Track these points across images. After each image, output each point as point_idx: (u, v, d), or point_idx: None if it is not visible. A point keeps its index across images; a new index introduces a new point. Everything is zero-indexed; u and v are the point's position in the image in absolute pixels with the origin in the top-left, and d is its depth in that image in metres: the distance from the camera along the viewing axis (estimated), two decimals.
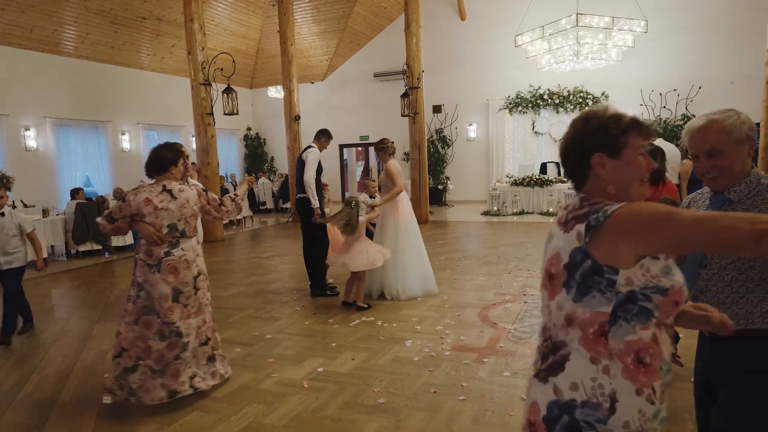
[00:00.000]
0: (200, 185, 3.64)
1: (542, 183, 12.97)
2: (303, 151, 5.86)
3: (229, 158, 17.15)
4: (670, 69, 14.17)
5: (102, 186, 12.93)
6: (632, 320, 1.20)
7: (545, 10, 13.93)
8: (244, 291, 6.36)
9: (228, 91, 9.72)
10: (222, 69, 9.66)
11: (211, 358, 3.50)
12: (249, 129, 18.04)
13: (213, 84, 10.08)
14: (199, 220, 3.64)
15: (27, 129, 11.56)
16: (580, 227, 1.23)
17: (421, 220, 11.86)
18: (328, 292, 5.85)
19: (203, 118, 9.78)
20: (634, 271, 1.19)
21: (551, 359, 1.29)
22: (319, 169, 5.79)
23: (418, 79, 11.48)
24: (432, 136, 16.31)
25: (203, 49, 9.73)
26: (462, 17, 15.90)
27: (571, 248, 1.24)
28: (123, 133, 13.58)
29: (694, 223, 1.14)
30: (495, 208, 12.96)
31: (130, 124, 13.78)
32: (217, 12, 13.97)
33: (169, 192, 3.32)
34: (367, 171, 18.73)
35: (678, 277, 1.25)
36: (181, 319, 3.29)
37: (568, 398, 1.24)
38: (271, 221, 13.91)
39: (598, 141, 1.28)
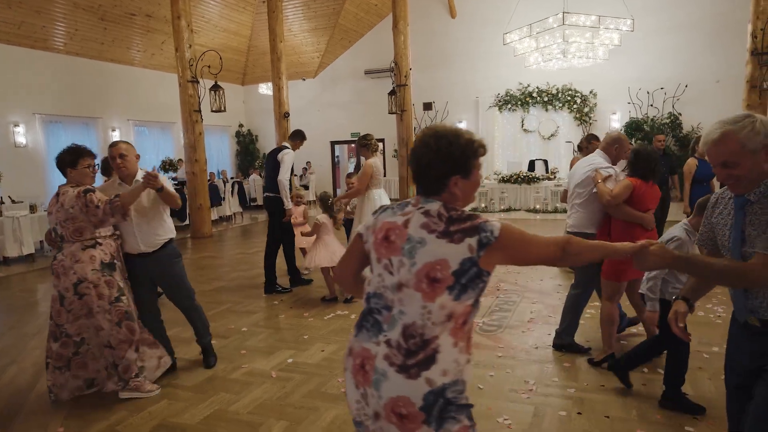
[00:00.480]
0: (86, 186, 3.33)
1: (529, 180, 13.11)
2: (278, 152, 5.89)
3: (221, 155, 17.23)
4: (658, 68, 14.30)
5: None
6: (477, 303, 1.51)
7: (535, 8, 14.04)
8: (226, 285, 6.47)
9: (215, 88, 9.80)
10: (209, 66, 9.73)
11: (115, 367, 3.40)
12: (241, 125, 18.11)
13: (201, 81, 10.16)
14: (167, 215, 3.68)
15: (16, 125, 11.61)
16: (472, 241, 1.43)
17: None
18: (282, 289, 5.94)
19: (191, 115, 9.87)
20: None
21: (422, 354, 1.42)
22: (291, 170, 5.94)
23: (405, 76, 11.58)
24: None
25: (191, 46, 9.81)
26: (452, 15, 15.99)
27: (462, 258, 1.43)
28: (113, 130, 13.64)
29: (538, 245, 1.52)
30: (482, 205, 13.10)
31: (121, 120, 13.84)
32: (208, 9, 14.03)
33: (57, 195, 3.32)
34: (358, 168, 18.81)
35: None
36: (68, 322, 3.31)
37: (440, 384, 1.42)
38: (261, 217, 14.00)
39: (456, 165, 1.50)
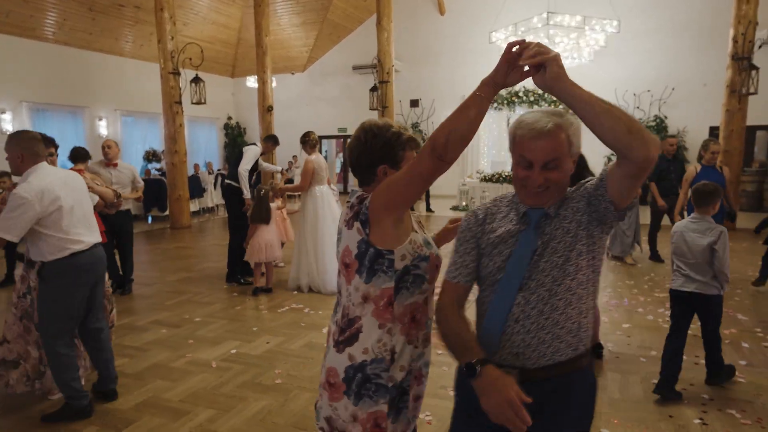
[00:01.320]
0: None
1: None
2: (247, 146, 6.13)
3: (209, 147, 17.31)
4: (645, 69, 14.36)
5: None
6: (411, 287, 1.54)
7: (522, 7, 14.10)
8: (191, 276, 6.58)
9: (196, 80, 9.88)
10: (191, 59, 9.80)
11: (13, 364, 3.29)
12: (230, 118, 18.18)
13: (182, 72, 10.23)
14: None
15: (3, 112, 11.69)
16: (358, 224, 1.53)
17: None
18: (242, 281, 6.09)
19: (171, 106, 9.95)
20: (405, 247, 1.52)
21: (348, 332, 1.57)
22: (255, 167, 6.09)
23: (388, 73, 11.65)
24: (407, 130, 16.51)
25: (173, 38, 9.88)
26: (441, 12, 16.04)
27: (356, 241, 1.53)
28: (100, 119, 13.71)
29: (402, 174, 1.45)
30: (464, 203, 13.20)
31: (108, 110, 13.90)
32: (198, 1, 14.07)
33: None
34: (344, 162, 18.91)
35: (434, 247, 1.63)
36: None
37: (360, 360, 1.53)
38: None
39: (383, 155, 1.56)
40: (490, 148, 16.13)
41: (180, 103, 10.09)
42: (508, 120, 15.66)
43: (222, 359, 3.93)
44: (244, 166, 5.88)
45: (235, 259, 6.05)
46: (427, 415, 3.07)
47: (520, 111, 15.52)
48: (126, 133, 14.39)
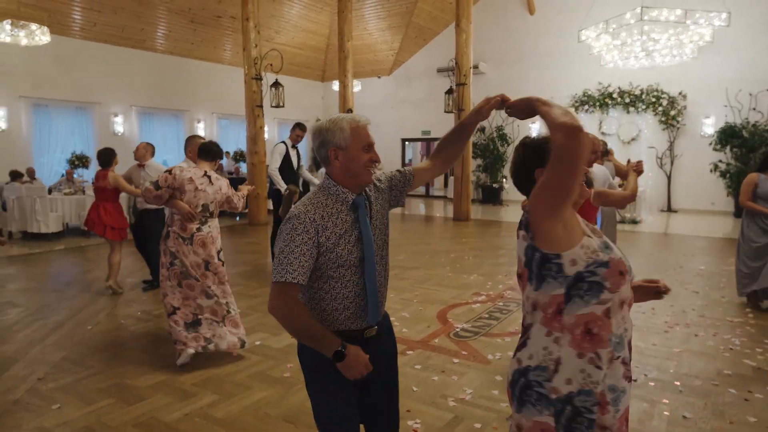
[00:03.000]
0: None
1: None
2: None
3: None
4: (763, 67, 12.82)
5: None
6: (585, 296, 1.44)
7: (614, 3, 13.20)
8: (249, 270, 6.92)
9: (276, 85, 10.38)
10: (271, 65, 10.33)
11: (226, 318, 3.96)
12: (318, 120, 18.82)
13: (266, 78, 10.81)
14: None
15: (116, 116, 13.10)
16: (522, 231, 1.54)
17: (462, 218, 11.90)
18: None
19: (253, 110, 10.55)
20: (576, 252, 1.44)
21: (521, 341, 1.56)
22: (289, 162, 6.29)
23: (465, 75, 11.45)
24: (492, 134, 16.11)
25: (256, 46, 10.48)
26: (531, 11, 15.47)
27: (524, 248, 1.52)
28: (198, 121, 14.88)
29: (552, 167, 1.42)
30: None
31: (206, 113, 15.06)
32: (289, 10, 14.79)
33: (209, 177, 3.90)
34: None
35: (616, 251, 1.49)
36: (215, 284, 3.85)
37: (525, 365, 1.50)
38: None
39: (537, 159, 1.55)
40: None
41: (261, 106, 10.67)
42: (600, 123, 14.74)
43: (245, 349, 4.09)
44: (273, 166, 6.22)
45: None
46: (416, 422, 2.98)
47: (614, 113, 14.55)
48: (222, 135, 15.48)
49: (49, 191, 9.46)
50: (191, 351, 3.72)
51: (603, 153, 4.95)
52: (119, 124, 13.15)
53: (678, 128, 13.83)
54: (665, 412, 3.08)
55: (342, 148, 1.70)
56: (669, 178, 14.02)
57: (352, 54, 13.00)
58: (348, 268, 1.71)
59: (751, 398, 3.26)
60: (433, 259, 7.69)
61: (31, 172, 10.12)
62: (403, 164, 18.42)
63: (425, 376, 3.61)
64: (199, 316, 3.82)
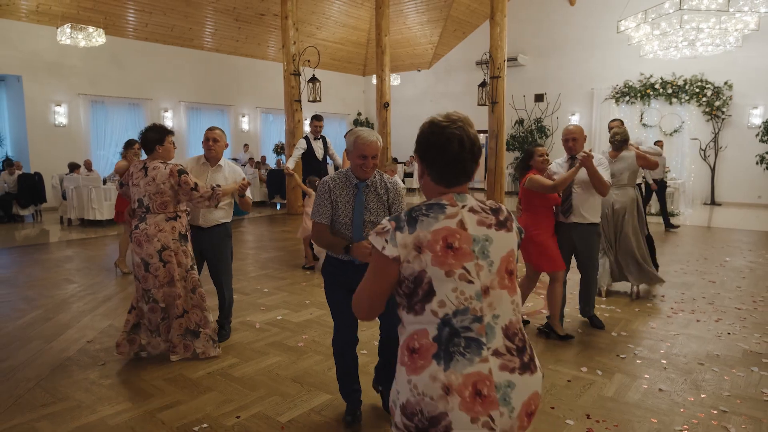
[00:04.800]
0: (180, 165, 3.66)
1: None
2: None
3: (337, 141, 18.55)
4: None
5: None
6: None
7: None
8: (281, 255, 7.39)
9: (313, 80, 10.83)
10: (309, 61, 10.79)
11: (194, 333, 3.74)
12: (359, 114, 19.31)
13: (305, 72, 11.28)
14: (230, 206, 4.04)
15: (166, 111, 13.95)
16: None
17: None
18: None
19: (291, 104, 11.05)
20: None
21: (531, 351, 1.45)
22: (312, 154, 6.84)
23: (498, 68, 11.55)
24: (531, 126, 16.06)
25: (294, 43, 10.96)
26: (571, 2, 15.28)
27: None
28: (243, 116, 15.59)
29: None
30: None
31: (250, 107, 15.75)
32: (330, 7, 15.23)
33: (145, 169, 3.61)
34: None
35: None
36: (155, 287, 3.61)
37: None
38: None
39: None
40: None
41: (299, 101, 11.15)
42: (641, 115, 14.45)
43: (266, 323, 4.52)
44: (289, 161, 6.68)
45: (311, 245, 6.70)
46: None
47: (656, 105, 14.23)
48: (264, 129, 16.15)
49: (104, 182, 10.28)
50: (120, 356, 3.69)
51: (621, 142, 5.06)
52: (169, 119, 13.99)
53: (723, 119, 13.41)
54: (644, 386, 3.28)
55: (349, 151, 2.69)
56: (713, 170, 13.63)
57: (389, 48, 13.30)
58: (344, 223, 2.71)
59: (731, 376, 3.40)
60: None
61: (88, 164, 11.00)
62: None
63: None
64: (141, 321, 3.71)
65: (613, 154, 5.03)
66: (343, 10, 15.67)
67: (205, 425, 2.86)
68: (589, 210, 4.03)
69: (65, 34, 10.43)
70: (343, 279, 2.71)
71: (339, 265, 2.74)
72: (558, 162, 4.15)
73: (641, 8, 11.87)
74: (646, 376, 3.42)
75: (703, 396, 3.14)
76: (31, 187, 10.64)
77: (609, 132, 5.19)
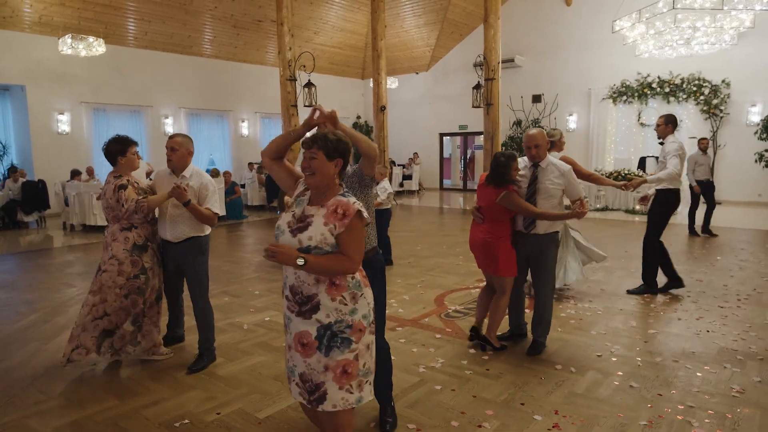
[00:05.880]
0: (125, 180, 3.68)
1: (631, 179, 12.25)
2: None
3: None
4: None
5: (222, 165, 15.21)
6: None
7: None
8: None
9: (308, 86, 10.95)
10: (304, 66, 10.91)
11: (108, 333, 3.65)
12: (358, 117, 19.43)
13: (301, 77, 11.40)
14: (156, 211, 3.84)
15: (166, 117, 14.13)
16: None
17: None
18: None
19: (288, 109, 11.17)
20: None
21: (309, 305, 2.10)
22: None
23: (493, 71, 11.62)
24: (528, 127, 16.12)
25: (290, 48, 11.08)
26: (568, 2, 15.35)
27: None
28: (242, 121, 15.75)
29: None
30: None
31: (249, 112, 15.91)
32: (327, 12, 15.37)
33: (107, 182, 3.74)
34: (465, 159, 19.06)
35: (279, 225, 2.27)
36: (89, 292, 3.68)
37: (326, 322, 2.09)
38: None
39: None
40: (618, 144, 15.05)
41: (295, 106, 11.27)
42: (639, 114, 14.48)
43: (254, 324, 4.64)
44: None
45: None
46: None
47: (653, 104, 14.25)
48: (264, 133, 16.30)
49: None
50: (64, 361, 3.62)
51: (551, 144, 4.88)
52: (169, 125, 14.17)
53: (721, 117, 13.42)
54: (615, 383, 3.36)
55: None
56: (711, 169, 13.59)
57: (385, 52, 13.40)
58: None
59: (704, 372, 3.47)
60: (449, 249, 8.04)
61: (90, 171, 11.18)
62: (441, 158, 18.70)
63: (406, 348, 4.01)
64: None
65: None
66: (341, 15, 15.82)
67: (186, 421, 2.97)
68: (551, 223, 3.81)
69: (66, 44, 10.62)
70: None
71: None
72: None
73: (636, 8, 11.93)
74: (619, 373, 3.50)
75: (672, 392, 3.21)
76: (35, 194, 10.84)
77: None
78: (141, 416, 3.04)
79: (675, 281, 5.32)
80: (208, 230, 3.83)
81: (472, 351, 3.94)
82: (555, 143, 4.93)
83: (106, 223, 3.98)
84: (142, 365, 3.77)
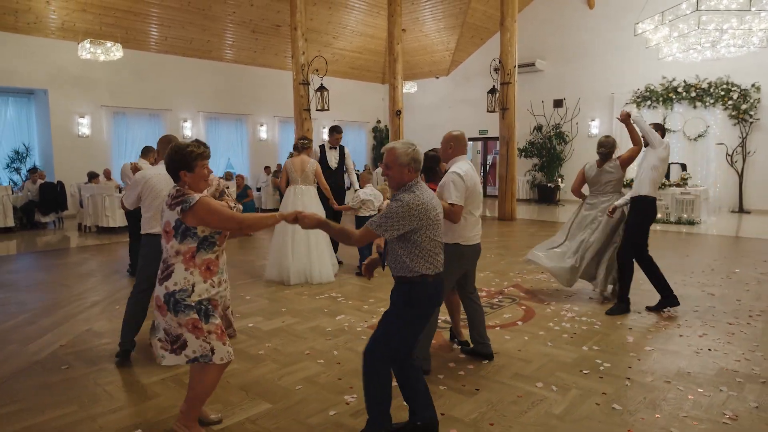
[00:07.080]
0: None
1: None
2: None
3: (357, 150, 18.65)
4: None
5: (240, 169, 15.31)
6: (207, 248, 2.62)
7: None
8: None
9: (321, 89, 10.92)
10: (317, 70, 10.89)
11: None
12: (378, 122, 19.35)
13: (312, 81, 11.40)
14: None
15: (185, 121, 14.32)
16: (178, 208, 2.56)
17: (506, 217, 11.83)
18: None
19: (301, 113, 11.16)
20: (204, 229, 2.60)
21: (165, 272, 2.60)
22: (325, 163, 6.75)
23: (509, 74, 11.39)
24: (549, 132, 15.76)
25: (303, 53, 11.08)
26: (590, 6, 14.97)
27: (175, 219, 2.57)
28: (261, 125, 15.85)
29: (221, 217, 2.57)
30: None
31: (268, 116, 16.01)
32: (347, 17, 15.35)
33: None
34: (485, 165, 18.78)
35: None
36: None
37: (173, 289, 2.56)
38: None
39: (181, 164, 2.62)
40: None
41: (308, 110, 11.26)
42: (664, 119, 13.95)
43: (237, 330, 4.54)
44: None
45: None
46: (353, 397, 3.23)
47: (679, 109, 13.73)
48: (282, 137, 16.37)
49: (120, 190, 10.60)
50: None
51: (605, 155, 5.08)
52: (188, 129, 14.36)
53: (751, 123, 12.84)
54: (596, 403, 3.13)
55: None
56: (741, 176, 13.04)
57: (401, 56, 13.31)
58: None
59: (696, 395, 3.21)
60: None
61: (107, 173, 11.38)
62: None
63: None
64: None
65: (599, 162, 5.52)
66: (360, 19, 15.79)
67: (139, 430, 2.88)
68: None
69: (85, 49, 10.86)
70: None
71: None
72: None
73: (661, 10, 11.52)
74: (603, 393, 3.27)
75: (657, 416, 2.97)
76: (53, 196, 11.08)
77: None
78: (96, 425, 2.97)
79: (669, 299, 4.93)
80: None
81: (451, 365, 3.76)
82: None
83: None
84: (112, 370, 3.73)
